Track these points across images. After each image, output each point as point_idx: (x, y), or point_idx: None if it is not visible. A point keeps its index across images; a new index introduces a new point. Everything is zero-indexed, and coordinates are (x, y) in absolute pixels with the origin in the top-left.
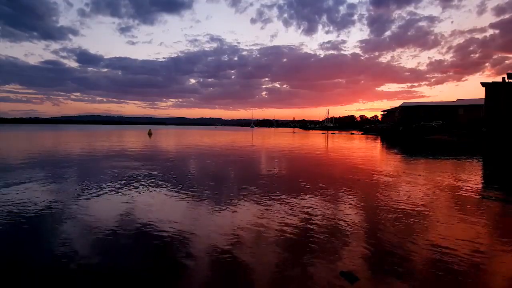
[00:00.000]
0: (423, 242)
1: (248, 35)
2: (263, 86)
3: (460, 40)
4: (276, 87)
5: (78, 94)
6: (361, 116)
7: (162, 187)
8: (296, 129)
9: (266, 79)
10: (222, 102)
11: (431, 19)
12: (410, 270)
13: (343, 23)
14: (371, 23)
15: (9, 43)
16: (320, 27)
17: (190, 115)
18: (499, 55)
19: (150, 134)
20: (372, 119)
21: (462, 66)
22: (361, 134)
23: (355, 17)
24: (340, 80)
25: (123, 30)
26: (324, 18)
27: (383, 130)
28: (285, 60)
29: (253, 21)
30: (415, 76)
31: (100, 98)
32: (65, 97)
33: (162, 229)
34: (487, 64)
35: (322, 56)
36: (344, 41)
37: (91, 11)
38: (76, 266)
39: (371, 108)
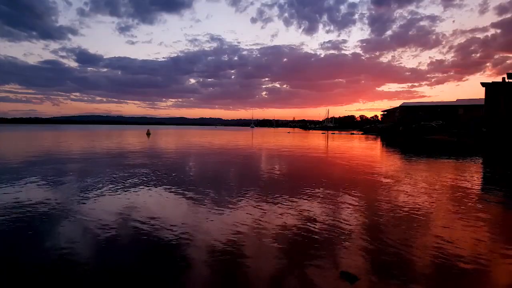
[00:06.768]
0: (423, 242)
1: (248, 34)
2: (263, 86)
3: (461, 39)
4: (276, 87)
5: (77, 94)
6: (361, 116)
7: (158, 187)
8: (296, 129)
9: (266, 79)
10: (222, 102)
11: (433, 19)
12: (410, 270)
13: (344, 23)
14: (372, 22)
15: (8, 42)
16: (320, 26)
17: (190, 115)
18: (500, 55)
19: (148, 134)
20: (372, 119)
21: (463, 66)
22: (361, 134)
23: (356, 16)
24: (341, 80)
25: (123, 29)
26: (325, 17)
27: (383, 130)
28: (285, 60)
29: (253, 20)
30: (416, 76)
31: (100, 98)
32: (64, 97)
33: (161, 229)
34: (488, 64)
35: (322, 55)
36: (344, 41)
37: (90, 11)
38: (76, 266)
39: (371, 108)
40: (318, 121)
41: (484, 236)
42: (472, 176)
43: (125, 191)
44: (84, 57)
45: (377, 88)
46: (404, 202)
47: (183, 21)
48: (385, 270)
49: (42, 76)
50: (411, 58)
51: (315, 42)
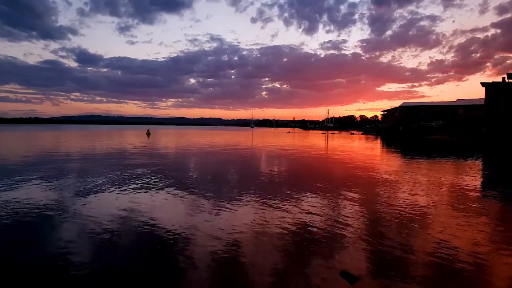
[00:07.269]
0: (423, 242)
1: (248, 34)
2: (263, 86)
3: (461, 39)
4: (276, 87)
5: (77, 94)
6: (361, 116)
7: (159, 186)
8: (296, 129)
9: (266, 79)
10: (222, 102)
11: (433, 19)
12: (410, 270)
13: (344, 23)
14: (372, 22)
15: (8, 42)
16: (320, 26)
17: (190, 115)
18: (500, 55)
19: (148, 134)
20: (372, 119)
21: (463, 66)
22: (361, 134)
23: (356, 16)
24: (341, 80)
25: (123, 29)
26: (325, 17)
27: (383, 130)
28: (285, 60)
29: (253, 20)
30: (416, 76)
31: (100, 98)
32: (64, 97)
33: (163, 228)
34: (488, 64)
35: (322, 55)
36: (344, 41)
37: (90, 10)
38: (76, 266)
39: (371, 108)
40: (318, 121)
41: (485, 235)
42: (472, 176)
43: (126, 191)
44: (84, 57)
45: (377, 88)
46: (404, 202)
47: (183, 21)
48: (385, 270)
49: (42, 76)
50: (411, 58)
51: (315, 42)
